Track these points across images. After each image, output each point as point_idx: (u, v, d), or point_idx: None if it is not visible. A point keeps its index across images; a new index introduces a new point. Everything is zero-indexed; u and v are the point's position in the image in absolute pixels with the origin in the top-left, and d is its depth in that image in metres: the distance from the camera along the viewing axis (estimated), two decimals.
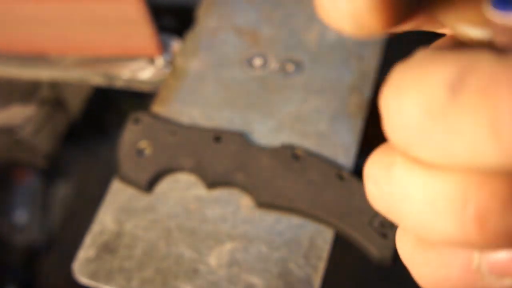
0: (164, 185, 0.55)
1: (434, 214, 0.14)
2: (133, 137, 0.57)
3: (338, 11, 0.16)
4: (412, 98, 0.13)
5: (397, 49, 0.64)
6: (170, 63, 0.64)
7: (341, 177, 0.53)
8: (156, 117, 0.58)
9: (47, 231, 1.08)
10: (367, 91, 0.59)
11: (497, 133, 0.12)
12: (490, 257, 0.16)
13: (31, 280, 1.03)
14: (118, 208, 0.54)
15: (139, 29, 0.59)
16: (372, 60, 0.61)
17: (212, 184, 0.54)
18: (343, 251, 0.62)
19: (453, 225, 0.13)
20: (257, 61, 0.62)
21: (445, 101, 0.13)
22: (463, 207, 0.13)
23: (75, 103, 0.72)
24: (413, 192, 0.14)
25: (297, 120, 0.57)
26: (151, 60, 0.65)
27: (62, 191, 1.13)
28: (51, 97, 0.67)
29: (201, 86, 0.61)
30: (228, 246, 0.51)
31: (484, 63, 0.13)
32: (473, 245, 0.14)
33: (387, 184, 0.15)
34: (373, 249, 0.49)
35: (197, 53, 0.64)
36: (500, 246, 0.14)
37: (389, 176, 0.14)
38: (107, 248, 0.52)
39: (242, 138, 0.56)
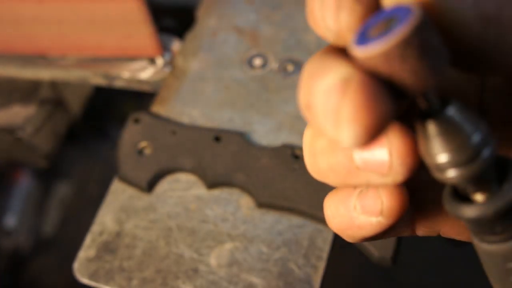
0: (164, 185, 0.55)
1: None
2: (133, 137, 0.57)
3: (326, 26, 0.22)
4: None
5: None
6: (170, 63, 0.64)
7: None
8: (156, 117, 0.58)
9: (39, 234, 1.08)
10: None
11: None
12: (362, 201, 0.25)
13: (17, 284, 1.02)
14: (118, 208, 0.54)
15: (140, 29, 0.59)
16: None
17: (212, 184, 0.54)
18: (343, 251, 0.62)
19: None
20: (257, 61, 0.62)
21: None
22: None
23: (75, 103, 0.72)
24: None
25: (297, 120, 0.57)
26: (151, 60, 0.65)
27: (62, 191, 1.13)
28: (51, 97, 0.68)
29: (201, 86, 0.61)
30: (228, 246, 0.51)
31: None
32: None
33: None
34: (373, 249, 0.49)
35: (197, 53, 0.64)
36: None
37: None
38: (107, 248, 0.52)
39: (242, 138, 0.56)
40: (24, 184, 1.08)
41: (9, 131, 0.64)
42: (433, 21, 0.20)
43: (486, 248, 0.24)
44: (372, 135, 0.20)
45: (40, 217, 1.09)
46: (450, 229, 0.28)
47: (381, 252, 0.49)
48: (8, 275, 1.03)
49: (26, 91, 0.67)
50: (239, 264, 0.50)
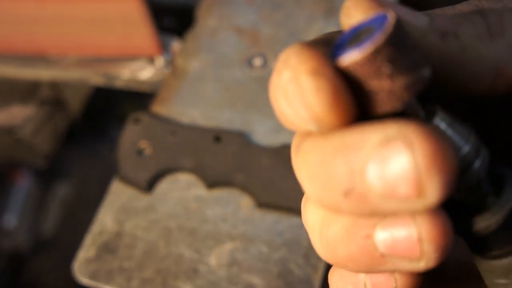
0: (164, 185, 0.55)
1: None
2: (133, 137, 0.57)
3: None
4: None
5: None
6: (170, 63, 0.64)
7: None
8: (156, 117, 0.58)
9: (39, 234, 1.08)
10: None
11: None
12: (373, 278, 0.22)
13: (17, 284, 1.02)
14: (118, 208, 0.54)
15: (139, 29, 0.59)
16: None
17: (212, 184, 0.54)
18: None
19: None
20: (257, 61, 0.62)
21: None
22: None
23: (75, 103, 0.72)
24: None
25: None
26: (151, 60, 0.65)
27: (62, 191, 1.13)
28: (51, 97, 0.67)
29: (201, 86, 0.61)
30: (228, 246, 0.51)
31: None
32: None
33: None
34: None
35: (197, 53, 0.64)
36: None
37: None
38: (107, 248, 0.52)
39: (242, 138, 0.56)
40: (24, 184, 1.08)
41: (9, 131, 0.64)
42: (406, 29, 0.19)
43: (478, 260, 0.24)
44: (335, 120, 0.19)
45: (40, 217, 1.09)
46: None
47: None
48: (8, 275, 1.03)
49: (25, 91, 0.67)
50: (239, 264, 0.50)
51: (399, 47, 0.19)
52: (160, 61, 0.65)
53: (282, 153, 0.54)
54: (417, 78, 0.20)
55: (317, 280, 0.49)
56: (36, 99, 0.66)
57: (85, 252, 0.52)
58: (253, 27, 0.65)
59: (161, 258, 0.51)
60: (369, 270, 0.21)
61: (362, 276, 0.23)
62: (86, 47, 0.63)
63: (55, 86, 0.68)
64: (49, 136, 0.67)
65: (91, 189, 1.11)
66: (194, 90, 0.61)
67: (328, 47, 0.20)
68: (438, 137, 0.17)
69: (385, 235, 0.19)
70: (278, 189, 0.52)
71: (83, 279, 0.51)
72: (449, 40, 0.20)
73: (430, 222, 0.19)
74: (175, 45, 0.66)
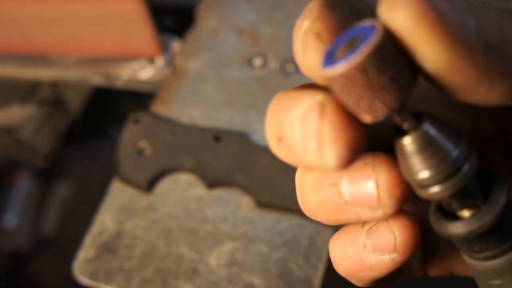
0: (164, 185, 0.55)
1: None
2: (133, 137, 0.57)
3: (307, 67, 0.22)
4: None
5: None
6: (170, 63, 0.64)
7: None
8: (156, 117, 0.58)
9: (39, 234, 1.08)
10: None
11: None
12: (373, 238, 0.24)
13: (17, 284, 1.02)
14: (118, 208, 0.54)
15: (139, 29, 0.59)
16: None
17: (212, 184, 0.54)
18: None
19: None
20: (257, 61, 0.62)
21: None
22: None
23: (75, 103, 0.72)
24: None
25: None
26: (151, 60, 0.65)
27: (62, 191, 1.13)
28: (51, 97, 0.68)
29: (201, 86, 0.61)
30: (228, 246, 0.51)
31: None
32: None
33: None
34: None
35: (197, 53, 0.64)
36: None
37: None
38: (107, 248, 0.52)
39: (242, 138, 0.56)
40: (24, 184, 1.08)
41: (9, 131, 0.64)
42: (393, 39, 0.20)
43: (471, 263, 0.25)
44: (355, 152, 0.21)
45: (40, 217, 1.09)
46: (462, 267, 0.28)
47: None
48: (8, 275, 1.03)
49: (25, 91, 0.67)
50: (239, 264, 0.50)
51: (383, 61, 0.20)
52: (160, 61, 0.65)
53: None
54: (400, 91, 0.21)
55: (317, 280, 0.49)
56: (36, 99, 0.66)
57: (85, 252, 0.52)
58: (253, 27, 0.65)
59: (161, 258, 0.51)
60: (336, 219, 0.24)
61: (362, 237, 0.24)
62: (86, 47, 0.63)
63: (55, 86, 0.68)
64: (49, 136, 0.67)
65: (91, 189, 1.11)
66: (194, 90, 0.61)
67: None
68: (339, 115, 0.21)
69: (348, 184, 0.23)
70: (278, 189, 0.52)
71: (83, 279, 0.51)
72: (493, 54, 0.20)
73: (387, 172, 0.22)
74: (175, 45, 0.66)
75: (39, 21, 0.60)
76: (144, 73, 0.64)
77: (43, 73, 0.67)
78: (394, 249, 0.24)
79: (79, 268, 0.51)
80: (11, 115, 0.64)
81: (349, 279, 0.26)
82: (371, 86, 0.20)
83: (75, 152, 1.14)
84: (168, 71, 0.63)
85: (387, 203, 0.22)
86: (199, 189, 0.55)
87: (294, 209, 0.52)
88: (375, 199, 0.22)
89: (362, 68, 0.20)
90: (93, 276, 0.51)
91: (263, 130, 0.57)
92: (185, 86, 0.61)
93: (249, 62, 0.62)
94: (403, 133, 0.22)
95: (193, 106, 0.60)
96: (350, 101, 0.21)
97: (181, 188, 0.55)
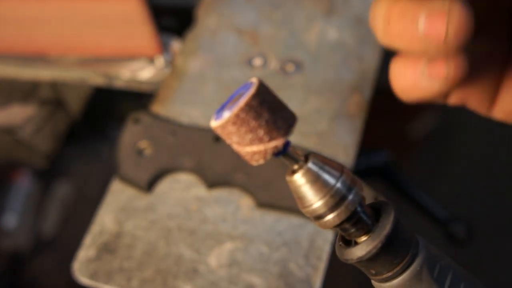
0: (164, 185, 0.55)
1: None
2: (133, 137, 0.57)
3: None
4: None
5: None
6: (170, 63, 0.64)
7: None
8: (156, 117, 0.58)
9: (39, 234, 1.08)
10: (367, 91, 0.59)
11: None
12: (431, 68, 0.30)
13: (17, 284, 1.02)
14: (118, 208, 0.54)
15: (140, 29, 0.59)
16: (372, 60, 0.61)
17: (212, 184, 0.54)
18: None
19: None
20: (257, 61, 0.62)
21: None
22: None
23: (75, 103, 0.72)
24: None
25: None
26: (151, 60, 0.65)
27: (62, 191, 1.13)
28: (51, 97, 0.68)
29: (201, 86, 0.61)
30: (228, 246, 0.51)
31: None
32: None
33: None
34: None
35: (197, 53, 0.64)
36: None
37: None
38: (107, 248, 0.52)
39: None
40: (24, 184, 1.08)
41: (9, 131, 0.64)
42: (269, 90, 0.25)
43: (374, 284, 0.28)
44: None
45: (40, 217, 1.09)
46: (475, 102, 0.35)
47: None
48: (8, 275, 1.03)
49: (25, 91, 0.67)
50: (239, 264, 0.50)
51: (258, 108, 0.25)
52: (160, 61, 0.65)
53: None
54: (279, 133, 0.25)
55: (317, 280, 0.49)
56: (36, 99, 0.66)
57: (85, 252, 0.52)
58: (253, 27, 0.65)
59: (161, 258, 0.51)
60: (409, 46, 0.29)
61: (422, 64, 0.30)
62: (86, 47, 0.63)
63: (55, 86, 0.68)
64: (49, 136, 0.67)
65: (91, 189, 1.11)
66: (194, 90, 0.61)
67: None
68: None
69: (424, 20, 0.28)
70: (278, 189, 0.52)
71: (83, 279, 0.51)
72: None
73: (457, 18, 0.28)
74: (175, 45, 0.66)
75: (39, 21, 0.60)
76: (144, 73, 0.64)
77: (43, 73, 0.67)
78: (445, 79, 0.30)
79: (79, 268, 0.51)
80: (11, 115, 0.64)
81: (398, 94, 0.32)
82: (252, 130, 0.25)
83: (75, 152, 1.14)
84: (168, 71, 0.63)
85: (452, 43, 0.28)
86: (199, 189, 0.55)
87: (294, 209, 0.52)
88: (442, 36, 0.28)
89: (239, 116, 0.24)
90: (93, 276, 0.51)
91: None
92: (185, 86, 0.61)
93: (249, 62, 0.62)
94: (294, 171, 0.26)
95: (193, 106, 0.60)
96: (240, 143, 0.25)
97: (181, 188, 0.55)
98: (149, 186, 0.55)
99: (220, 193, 0.54)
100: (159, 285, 0.50)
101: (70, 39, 0.62)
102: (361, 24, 0.64)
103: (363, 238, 0.27)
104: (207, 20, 0.67)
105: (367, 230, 0.27)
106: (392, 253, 0.26)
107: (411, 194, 0.81)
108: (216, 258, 0.51)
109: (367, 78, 0.60)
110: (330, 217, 0.26)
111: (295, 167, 0.26)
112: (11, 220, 1.05)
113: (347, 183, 0.26)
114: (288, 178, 0.27)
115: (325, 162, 0.27)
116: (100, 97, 1.15)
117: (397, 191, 0.81)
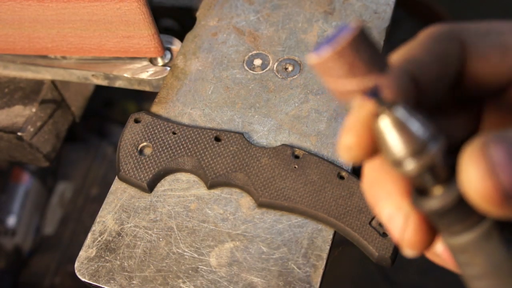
0: (164, 185, 0.56)
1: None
2: (133, 137, 0.57)
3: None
4: None
5: (396, 49, 0.64)
6: (170, 63, 0.65)
7: (341, 177, 0.53)
8: (156, 117, 0.58)
9: (39, 234, 1.08)
10: None
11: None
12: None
13: (17, 284, 1.02)
14: (119, 208, 0.54)
15: (141, 30, 0.60)
16: None
17: (212, 184, 0.54)
18: (343, 251, 0.62)
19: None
20: (257, 61, 0.62)
21: None
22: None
23: (76, 103, 0.72)
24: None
25: (297, 120, 0.58)
26: (152, 60, 0.65)
27: (62, 191, 1.13)
28: (52, 97, 0.68)
29: (201, 86, 0.61)
30: (228, 246, 0.52)
31: None
32: None
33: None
34: (373, 248, 0.49)
35: (197, 53, 0.64)
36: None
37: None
38: (108, 248, 0.52)
39: (242, 138, 0.56)
40: (25, 184, 1.08)
41: (10, 131, 0.64)
42: (369, 34, 0.26)
43: (444, 240, 0.28)
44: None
45: (40, 217, 1.09)
46: None
47: (381, 251, 0.49)
48: (9, 274, 1.03)
49: (27, 92, 0.67)
50: (239, 264, 0.50)
51: (358, 51, 0.25)
52: (160, 61, 0.65)
53: (282, 153, 0.54)
54: (374, 72, 0.25)
55: (317, 280, 0.49)
56: (37, 99, 0.66)
57: (86, 251, 0.52)
58: (253, 27, 0.65)
59: (162, 258, 0.51)
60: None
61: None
62: (87, 48, 0.63)
63: (56, 86, 0.68)
64: (50, 136, 0.68)
65: (91, 189, 1.12)
66: (194, 90, 0.61)
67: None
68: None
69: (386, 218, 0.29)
70: (278, 189, 0.53)
71: (84, 279, 0.51)
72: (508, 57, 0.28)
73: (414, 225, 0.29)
74: (175, 45, 0.66)
75: (40, 21, 0.60)
76: (145, 73, 0.64)
77: (44, 74, 0.67)
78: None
79: (80, 268, 0.51)
80: (13, 115, 0.65)
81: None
82: (350, 67, 0.25)
83: (76, 152, 1.14)
84: (168, 71, 0.63)
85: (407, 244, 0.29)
86: (199, 189, 0.55)
87: (294, 209, 0.52)
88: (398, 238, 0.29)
89: (342, 52, 0.25)
90: (94, 275, 0.51)
91: (263, 130, 0.57)
92: (185, 86, 0.61)
93: (249, 62, 0.62)
94: (380, 117, 0.27)
95: (193, 106, 0.60)
96: (336, 80, 0.25)
97: (181, 188, 0.55)
98: (150, 185, 0.55)
99: (220, 193, 0.55)
100: (160, 284, 0.50)
101: (71, 40, 0.62)
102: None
103: (440, 190, 0.27)
104: (207, 21, 0.67)
105: (445, 182, 0.27)
106: (465, 208, 0.26)
107: None
108: (216, 258, 0.51)
109: None
110: (411, 165, 0.26)
111: (383, 112, 0.27)
112: (12, 219, 1.05)
113: (432, 133, 0.26)
114: (375, 124, 0.27)
115: (412, 111, 0.27)
116: (100, 97, 1.15)
117: None
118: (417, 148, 0.26)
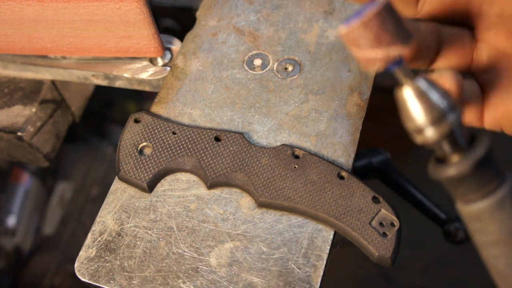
0: (164, 185, 0.56)
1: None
2: (133, 137, 0.57)
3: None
4: None
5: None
6: (170, 63, 0.65)
7: (341, 177, 0.53)
8: (156, 117, 0.58)
9: (39, 234, 1.08)
10: (366, 91, 0.59)
11: None
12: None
13: (17, 284, 1.02)
14: (119, 208, 0.54)
15: (141, 30, 0.60)
16: None
17: (212, 184, 0.54)
18: (343, 251, 0.62)
19: None
20: (257, 61, 0.62)
21: None
22: None
23: (76, 103, 0.72)
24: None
25: (297, 120, 0.58)
26: (152, 60, 0.65)
27: (62, 191, 1.13)
28: (52, 97, 0.68)
29: (201, 86, 0.61)
30: (228, 246, 0.52)
31: None
32: None
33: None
34: (373, 249, 0.49)
35: (197, 53, 0.64)
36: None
37: None
38: (108, 248, 0.52)
39: (242, 138, 0.56)
40: (25, 184, 1.08)
41: (10, 131, 0.64)
42: (394, 8, 0.28)
43: (458, 207, 0.29)
44: None
45: (40, 217, 1.09)
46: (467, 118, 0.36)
47: (381, 252, 0.49)
48: (8, 275, 1.03)
49: (27, 92, 0.67)
50: (239, 264, 0.50)
51: (384, 20, 0.27)
52: (160, 61, 0.65)
53: (282, 153, 0.54)
54: (398, 43, 0.28)
55: (317, 280, 0.49)
56: (37, 99, 0.66)
57: (86, 251, 0.52)
58: (253, 27, 0.65)
59: (162, 258, 0.51)
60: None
61: None
62: (87, 48, 0.63)
63: (56, 86, 0.68)
64: (50, 136, 0.68)
65: (91, 189, 1.11)
66: (194, 90, 0.61)
67: None
68: None
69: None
70: (278, 189, 0.53)
71: (84, 279, 0.51)
72: None
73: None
74: (175, 45, 0.66)
75: (40, 21, 0.60)
76: (145, 73, 0.64)
77: (44, 73, 0.67)
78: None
79: (80, 268, 0.51)
80: (13, 115, 0.65)
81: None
82: (376, 37, 0.27)
83: (75, 152, 1.14)
84: (168, 71, 0.63)
85: None
86: (199, 189, 0.55)
87: (294, 209, 0.52)
88: None
89: (368, 23, 0.27)
90: (94, 275, 0.51)
91: (263, 130, 0.57)
92: (185, 86, 0.61)
93: (249, 62, 0.62)
94: (404, 86, 0.28)
95: (193, 106, 0.60)
96: (364, 48, 0.27)
97: (181, 188, 0.55)
98: (150, 185, 0.55)
99: (220, 193, 0.55)
100: (160, 284, 0.50)
101: (71, 40, 0.62)
102: None
103: (456, 158, 0.28)
104: (207, 21, 0.67)
105: (461, 151, 0.28)
106: (481, 176, 0.28)
107: (410, 193, 0.81)
108: (216, 258, 0.51)
109: (367, 78, 0.60)
110: (431, 132, 0.28)
111: (406, 81, 0.28)
112: (11, 219, 1.05)
113: (451, 103, 0.28)
114: (397, 92, 0.29)
115: (433, 82, 0.29)
116: (100, 97, 1.15)
117: (396, 191, 0.81)
118: (437, 117, 0.28)
